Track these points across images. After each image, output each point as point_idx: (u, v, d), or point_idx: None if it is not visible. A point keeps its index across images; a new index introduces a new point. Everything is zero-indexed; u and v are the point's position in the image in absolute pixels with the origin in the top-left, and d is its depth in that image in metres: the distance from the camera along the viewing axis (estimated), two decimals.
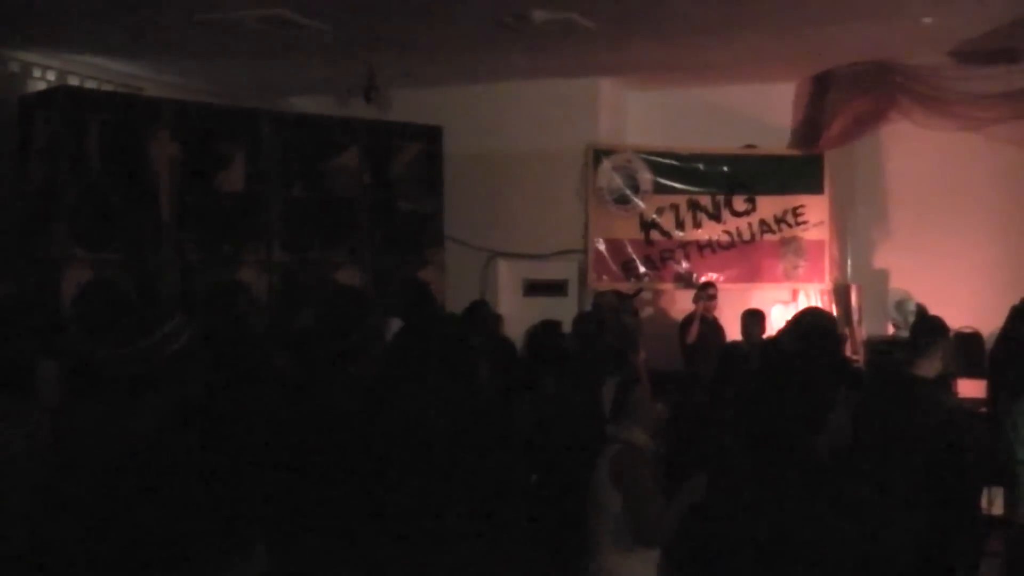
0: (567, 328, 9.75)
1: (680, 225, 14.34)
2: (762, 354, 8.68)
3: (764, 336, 11.75)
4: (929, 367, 7.31)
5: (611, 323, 10.46)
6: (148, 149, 11.59)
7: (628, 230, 14.34)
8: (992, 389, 10.29)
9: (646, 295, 14.60)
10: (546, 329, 9.09)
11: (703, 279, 13.91)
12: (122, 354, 4.10)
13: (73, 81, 12.72)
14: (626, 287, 13.83)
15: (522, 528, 5.91)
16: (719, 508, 4.37)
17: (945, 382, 8.16)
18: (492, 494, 5.57)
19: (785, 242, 14.36)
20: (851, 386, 5.46)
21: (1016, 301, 10.25)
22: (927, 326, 7.66)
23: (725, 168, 14.45)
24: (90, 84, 12.89)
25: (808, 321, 7.17)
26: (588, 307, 13.17)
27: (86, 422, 4.45)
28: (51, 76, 12.62)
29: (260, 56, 12.93)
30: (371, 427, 5.67)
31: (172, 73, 13.88)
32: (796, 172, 14.38)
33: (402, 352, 6.63)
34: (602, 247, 14.32)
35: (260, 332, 9.38)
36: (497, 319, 11.49)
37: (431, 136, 13.97)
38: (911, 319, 12.78)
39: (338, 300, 8.19)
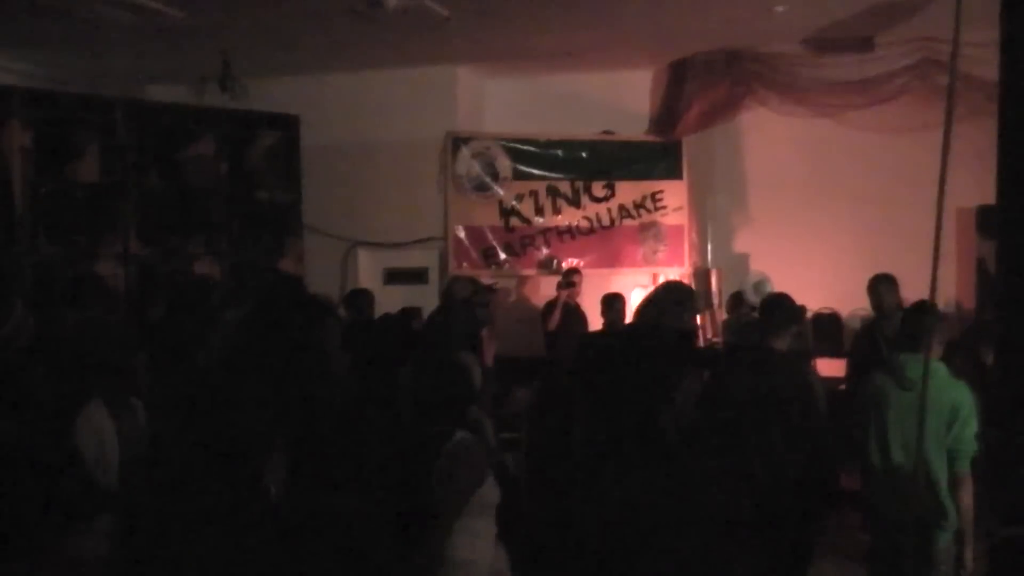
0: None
1: (540, 211, 14.41)
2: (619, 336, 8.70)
3: (623, 319, 11.82)
4: (781, 343, 7.43)
5: (459, 310, 10.40)
6: None
7: (488, 217, 14.38)
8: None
9: (508, 281, 14.62)
10: (401, 317, 9.07)
11: (566, 265, 13.96)
12: None
13: None
14: (486, 274, 13.84)
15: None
16: (570, 489, 4.38)
17: (801, 357, 8.30)
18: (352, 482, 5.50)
19: (644, 227, 14.47)
20: (701, 364, 5.50)
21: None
22: (775, 304, 7.76)
23: (584, 154, 14.54)
24: None
25: (662, 293, 7.21)
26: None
27: None
28: None
29: (113, 44, 12.73)
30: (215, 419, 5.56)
31: (23, 61, 13.59)
32: (654, 158, 14.52)
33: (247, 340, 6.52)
34: (462, 234, 14.33)
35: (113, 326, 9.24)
36: (370, 301, 11.21)
37: (288, 125, 13.87)
38: None
39: (183, 290, 8.10)
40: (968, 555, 6.76)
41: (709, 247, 14.88)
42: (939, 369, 6.94)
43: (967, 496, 6.74)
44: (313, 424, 4.81)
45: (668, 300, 6.98)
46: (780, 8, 11.55)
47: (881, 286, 10.29)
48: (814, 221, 14.14)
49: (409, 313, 9.37)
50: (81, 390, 6.64)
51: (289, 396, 4.94)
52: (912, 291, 10.84)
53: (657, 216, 14.51)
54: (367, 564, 4.33)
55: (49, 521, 3.69)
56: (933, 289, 4.23)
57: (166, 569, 4.46)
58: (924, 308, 7.38)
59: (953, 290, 13.20)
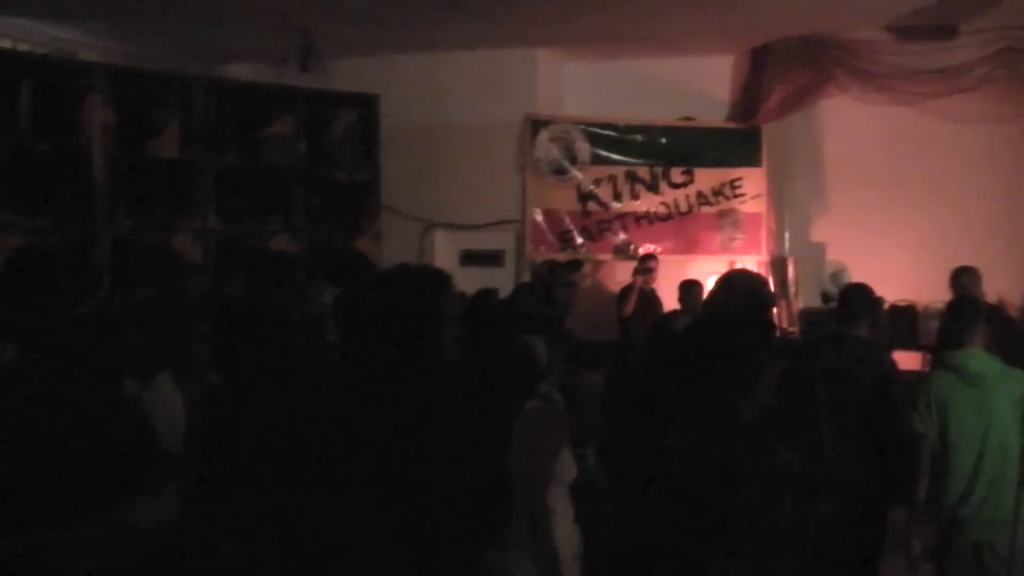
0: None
1: (618, 196, 14.36)
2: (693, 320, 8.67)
3: (700, 306, 11.77)
4: (859, 332, 7.37)
5: (539, 293, 10.41)
6: (80, 114, 11.39)
7: (565, 201, 14.33)
8: None
9: (586, 267, 14.58)
10: (481, 297, 9.08)
11: (642, 250, 13.91)
12: (55, 322, 4.01)
13: (4, 43, 12.51)
14: (563, 258, 13.81)
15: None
16: (649, 472, 4.37)
17: (879, 344, 8.22)
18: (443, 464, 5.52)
19: (722, 214, 14.41)
20: (780, 353, 5.46)
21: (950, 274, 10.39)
22: (853, 293, 7.72)
23: (663, 140, 14.47)
24: (22, 47, 12.68)
25: (733, 281, 7.17)
26: (525, 277, 13.22)
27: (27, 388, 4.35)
28: None
29: (195, 22, 12.81)
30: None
31: (106, 38, 13.68)
32: (734, 145, 14.43)
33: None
34: (539, 217, 14.29)
35: (193, 299, 9.28)
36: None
37: (367, 105, 13.84)
38: None
39: (264, 265, 8.09)
40: None
41: (787, 235, 14.76)
42: (994, 362, 6.89)
43: None
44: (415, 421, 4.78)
45: (738, 288, 6.95)
46: None
47: (964, 278, 10.19)
48: (892, 211, 13.99)
49: (488, 293, 9.36)
50: (152, 361, 6.71)
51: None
52: (993, 283, 10.75)
53: (735, 203, 14.43)
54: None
55: (114, 488, 3.69)
56: None
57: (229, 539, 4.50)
58: (966, 304, 7.35)
59: None
